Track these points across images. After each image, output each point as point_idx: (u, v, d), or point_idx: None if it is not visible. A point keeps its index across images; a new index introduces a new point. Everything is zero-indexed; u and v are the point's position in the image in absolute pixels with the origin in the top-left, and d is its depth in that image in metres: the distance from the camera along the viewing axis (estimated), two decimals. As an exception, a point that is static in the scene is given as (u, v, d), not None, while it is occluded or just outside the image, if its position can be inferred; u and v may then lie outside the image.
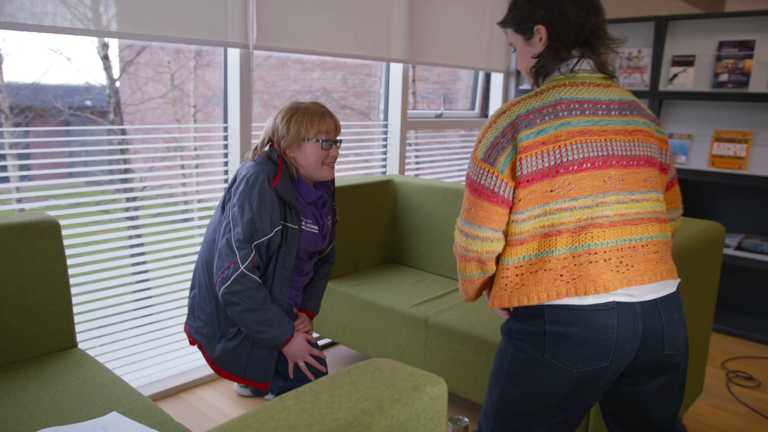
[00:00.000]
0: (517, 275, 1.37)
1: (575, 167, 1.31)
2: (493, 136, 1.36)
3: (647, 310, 1.35)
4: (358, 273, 3.01)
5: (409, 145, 3.77)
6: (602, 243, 1.32)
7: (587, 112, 1.34)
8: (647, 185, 1.38)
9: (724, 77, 3.40)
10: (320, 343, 3.21)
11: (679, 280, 1.45)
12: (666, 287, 1.39)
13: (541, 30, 1.41)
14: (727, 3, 7.79)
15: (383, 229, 3.16)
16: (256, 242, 1.85)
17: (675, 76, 3.56)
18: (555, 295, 1.32)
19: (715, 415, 2.62)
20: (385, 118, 3.56)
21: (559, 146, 1.31)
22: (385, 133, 3.56)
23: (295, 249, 1.93)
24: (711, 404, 2.71)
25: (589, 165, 1.31)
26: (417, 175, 3.87)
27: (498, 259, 1.42)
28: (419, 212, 3.09)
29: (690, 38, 3.56)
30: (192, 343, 2.07)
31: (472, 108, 4.32)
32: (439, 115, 3.94)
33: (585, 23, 1.39)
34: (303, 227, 1.95)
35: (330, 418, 0.84)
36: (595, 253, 1.32)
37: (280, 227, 1.88)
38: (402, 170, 3.57)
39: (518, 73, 4.25)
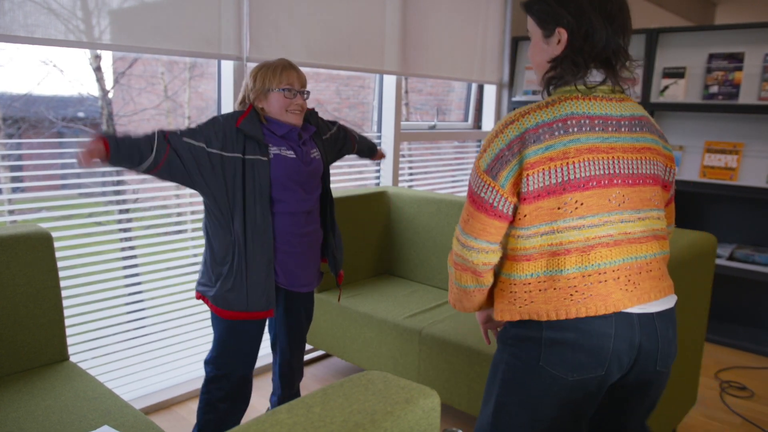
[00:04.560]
0: (526, 292, 1.36)
1: (582, 185, 1.30)
2: (498, 148, 1.32)
3: (644, 323, 1.35)
4: (351, 284, 3.00)
5: (403, 156, 3.78)
6: (611, 262, 1.33)
7: (597, 129, 1.32)
8: (651, 204, 1.38)
9: (714, 89, 3.44)
10: (313, 354, 3.20)
11: (676, 297, 1.45)
12: (664, 303, 1.39)
13: (562, 34, 1.36)
14: (717, 16, 7.88)
15: (377, 241, 3.16)
16: (186, 137, 1.88)
17: (666, 87, 3.59)
18: (564, 314, 1.32)
19: (709, 426, 2.62)
20: (379, 129, 3.57)
21: (567, 163, 1.29)
22: (379, 144, 3.57)
23: (267, 180, 1.95)
24: (705, 415, 2.71)
25: (594, 183, 1.31)
26: (410, 187, 3.88)
27: (500, 271, 1.41)
28: (413, 224, 3.10)
29: (680, 50, 3.60)
30: (197, 297, 2.10)
31: (465, 119, 4.34)
32: (433, 127, 3.95)
33: (610, 42, 1.35)
34: (277, 152, 2.00)
35: (323, 431, 0.83)
36: (605, 273, 1.32)
37: (231, 156, 1.92)
38: (395, 182, 3.58)
39: (511, 85, 4.27)
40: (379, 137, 3.57)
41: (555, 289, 1.33)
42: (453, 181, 4.21)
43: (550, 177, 1.29)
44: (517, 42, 4.23)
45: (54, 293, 1.96)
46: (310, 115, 2.19)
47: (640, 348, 1.35)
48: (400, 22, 3.36)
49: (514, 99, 4.25)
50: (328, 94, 3.76)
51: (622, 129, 1.35)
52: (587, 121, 1.32)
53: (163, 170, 1.86)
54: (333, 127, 2.32)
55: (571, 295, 1.32)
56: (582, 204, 1.30)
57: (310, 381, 2.95)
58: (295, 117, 2.04)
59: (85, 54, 2.78)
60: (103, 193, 2.50)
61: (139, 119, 3.44)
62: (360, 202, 3.04)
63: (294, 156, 2.03)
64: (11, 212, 2.29)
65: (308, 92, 2.08)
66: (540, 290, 1.34)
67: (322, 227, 2.21)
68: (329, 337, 2.80)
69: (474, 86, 4.27)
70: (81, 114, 2.95)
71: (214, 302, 2.01)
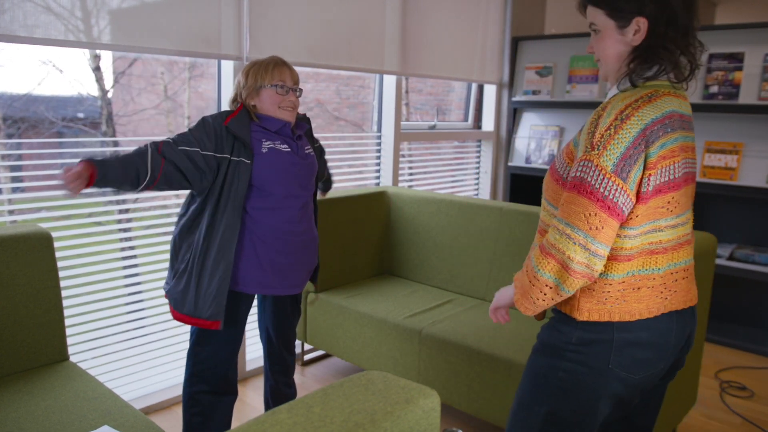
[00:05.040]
0: (619, 291, 1.32)
1: (679, 184, 1.30)
2: (624, 146, 1.22)
3: (690, 315, 1.40)
4: (351, 284, 3.00)
5: (403, 156, 3.78)
6: (688, 260, 1.37)
7: (683, 127, 1.32)
8: (692, 200, 1.41)
9: (714, 89, 3.44)
10: (313, 354, 3.20)
11: None
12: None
13: (642, 24, 1.29)
14: (717, 16, 7.88)
15: (377, 241, 3.16)
16: (182, 145, 1.88)
17: (666, 87, 3.59)
18: (656, 311, 1.32)
19: (709, 426, 2.62)
20: (379, 129, 3.57)
21: (673, 162, 1.28)
22: (379, 144, 3.57)
23: (245, 186, 1.93)
24: (704, 415, 2.71)
25: (684, 182, 1.32)
26: (410, 187, 3.88)
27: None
28: (413, 223, 3.10)
29: (680, 50, 3.59)
30: (166, 296, 2.08)
31: (465, 119, 4.34)
32: (433, 127, 3.95)
33: (690, 27, 1.30)
34: (271, 146, 2.00)
35: (323, 431, 0.83)
36: (687, 269, 1.37)
37: (222, 157, 1.92)
38: (395, 181, 3.58)
39: (511, 85, 4.27)
40: (379, 137, 3.57)
41: (648, 288, 1.32)
42: (453, 181, 4.21)
43: (661, 176, 1.27)
44: (517, 42, 4.23)
45: (54, 293, 1.96)
46: (304, 119, 2.20)
47: (689, 336, 1.41)
48: (400, 22, 3.36)
49: (514, 99, 4.25)
50: (328, 94, 3.76)
51: (690, 129, 1.36)
52: (678, 119, 1.31)
53: (160, 184, 1.86)
54: (317, 142, 2.31)
55: (662, 292, 1.33)
56: (678, 203, 1.32)
57: (310, 381, 2.95)
58: (288, 114, 2.03)
59: (84, 54, 2.78)
60: (103, 193, 2.50)
61: (139, 119, 3.44)
62: (360, 202, 3.04)
63: (289, 150, 2.02)
64: (11, 212, 2.29)
65: (301, 90, 2.07)
66: (634, 289, 1.32)
67: None
68: (329, 337, 2.80)
69: (474, 86, 4.27)
70: (81, 114, 2.95)
71: (167, 297, 2.00)
